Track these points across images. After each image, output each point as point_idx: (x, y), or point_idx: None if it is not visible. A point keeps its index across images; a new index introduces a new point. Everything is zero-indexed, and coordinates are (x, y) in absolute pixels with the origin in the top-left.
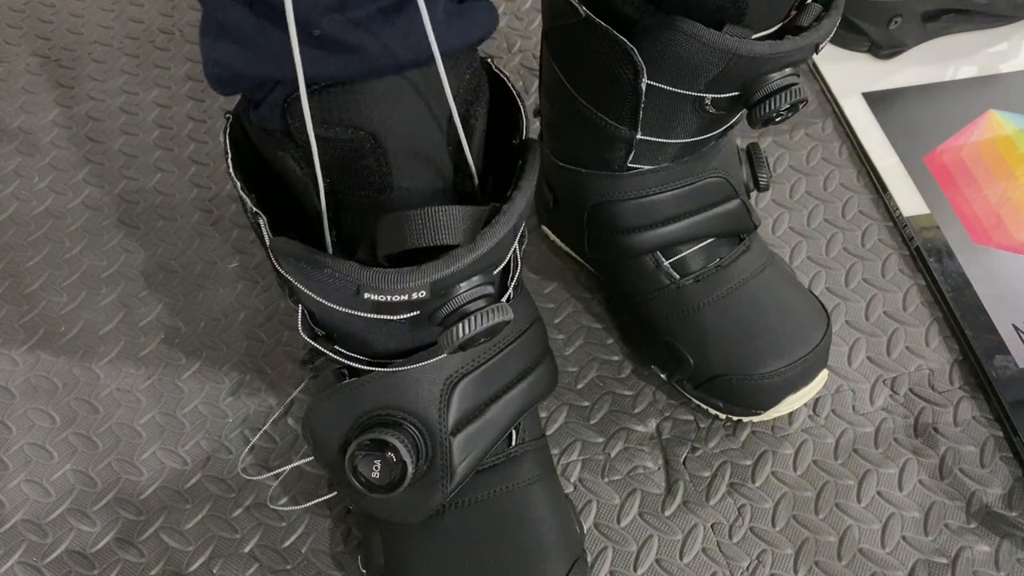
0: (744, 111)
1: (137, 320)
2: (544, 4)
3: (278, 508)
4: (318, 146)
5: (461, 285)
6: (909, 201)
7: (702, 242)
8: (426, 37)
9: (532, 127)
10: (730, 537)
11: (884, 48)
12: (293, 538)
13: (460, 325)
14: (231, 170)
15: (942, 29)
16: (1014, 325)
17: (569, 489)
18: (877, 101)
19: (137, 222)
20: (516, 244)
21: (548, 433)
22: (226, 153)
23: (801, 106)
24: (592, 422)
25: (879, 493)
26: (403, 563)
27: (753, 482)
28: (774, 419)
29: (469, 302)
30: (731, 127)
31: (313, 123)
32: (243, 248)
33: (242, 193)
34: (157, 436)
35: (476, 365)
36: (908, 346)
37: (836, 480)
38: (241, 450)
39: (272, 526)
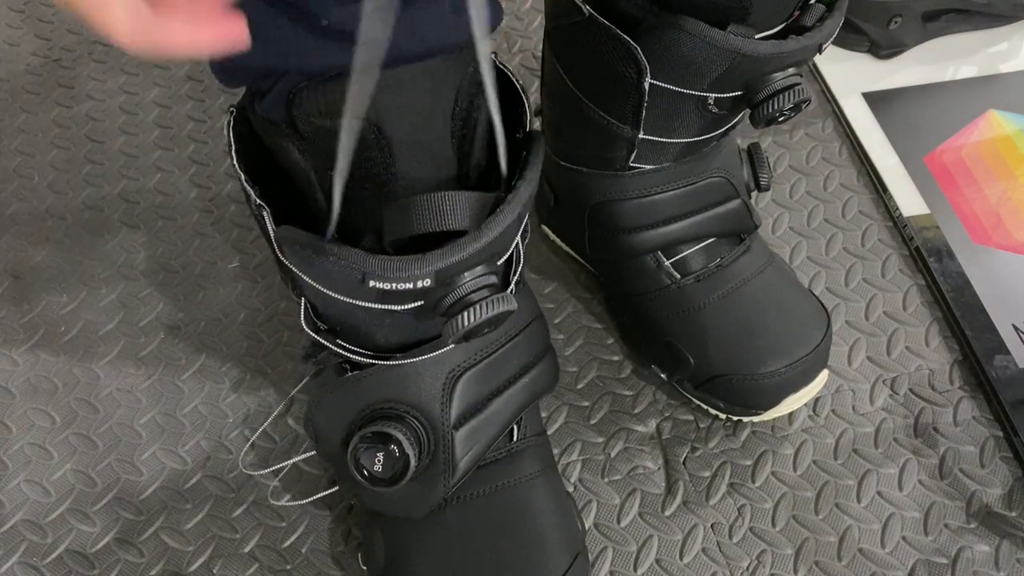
0: (746, 111)
1: (137, 320)
2: (547, 3)
3: (279, 504)
4: (322, 137)
5: (465, 274)
6: (909, 201)
7: (703, 242)
8: (432, 29)
9: (534, 124)
10: (730, 537)
11: (884, 48)
12: (293, 538)
13: (464, 314)
14: (235, 162)
15: (942, 29)
16: (1014, 325)
17: (569, 489)
18: (877, 101)
19: (137, 222)
20: (519, 238)
21: (548, 433)
22: (230, 145)
23: (804, 106)
24: (592, 422)
25: (879, 493)
26: (404, 558)
27: (753, 482)
28: (774, 419)
29: (473, 291)
30: (733, 127)
31: (316, 113)
32: (243, 248)
33: (246, 185)
34: (157, 436)
35: (478, 359)
36: (908, 346)
37: (836, 480)
38: (241, 450)
39: (272, 526)
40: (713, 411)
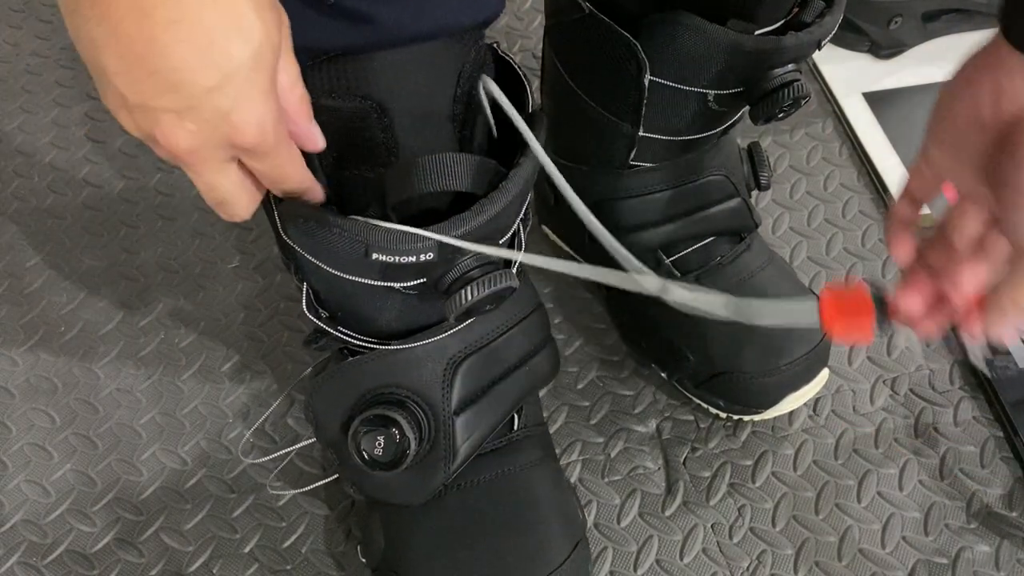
0: (745, 108)
1: (137, 320)
2: (547, 1)
3: (278, 499)
4: (324, 116)
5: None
6: None
7: (703, 240)
8: (436, 11)
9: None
10: (730, 537)
11: (884, 48)
12: (293, 538)
13: (465, 290)
14: None
15: (942, 29)
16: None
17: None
18: (877, 101)
19: (137, 222)
20: (520, 223)
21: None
22: None
23: (804, 102)
24: (592, 422)
25: (879, 493)
26: (403, 544)
27: (753, 482)
28: (774, 419)
29: (474, 268)
30: (733, 125)
31: (321, 93)
32: (243, 248)
33: None
34: (157, 436)
35: (479, 346)
36: (908, 346)
37: (836, 480)
38: (239, 447)
39: (272, 526)
40: (713, 410)
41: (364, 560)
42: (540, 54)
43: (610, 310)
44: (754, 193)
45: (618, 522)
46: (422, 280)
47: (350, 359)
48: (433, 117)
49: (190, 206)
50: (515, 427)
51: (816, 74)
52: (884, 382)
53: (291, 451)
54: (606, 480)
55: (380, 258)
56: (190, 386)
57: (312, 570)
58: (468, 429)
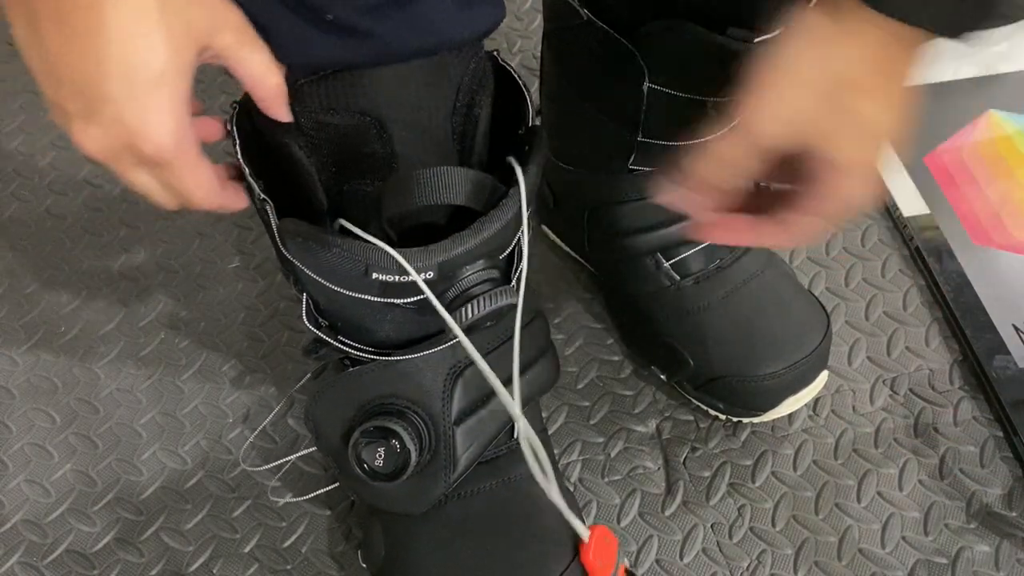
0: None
1: (137, 320)
2: (545, 6)
3: (279, 503)
4: (323, 132)
5: (467, 268)
6: (909, 201)
7: (702, 243)
8: (434, 25)
9: (536, 121)
10: (730, 537)
11: None
12: (293, 538)
13: (467, 307)
14: (240, 156)
15: None
16: (1014, 325)
17: (569, 489)
18: None
19: (137, 222)
20: (523, 235)
21: (548, 433)
22: (234, 140)
23: None
24: (592, 422)
25: (879, 493)
26: (404, 554)
27: (753, 482)
28: (774, 419)
29: (475, 285)
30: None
31: (320, 108)
32: (243, 248)
33: (250, 179)
34: (157, 436)
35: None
36: (908, 346)
37: (836, 480)
38: (241, 450)
39: (272, 526)
40: (713, 412)
41: (364, 565)
42: (540, 54)
43: (610, 310)
44: None
45: (618, 522)
46: (422, 297)
47: (350, 369)
48: (432, 131)
49: None
50: (515, 435)
51: None
52: (884, 382)
53: (287, 461)
54: (606, 480)
55: (380, 277)
56: (190, 386)
57: (312, 570)
58: (468, 439)
